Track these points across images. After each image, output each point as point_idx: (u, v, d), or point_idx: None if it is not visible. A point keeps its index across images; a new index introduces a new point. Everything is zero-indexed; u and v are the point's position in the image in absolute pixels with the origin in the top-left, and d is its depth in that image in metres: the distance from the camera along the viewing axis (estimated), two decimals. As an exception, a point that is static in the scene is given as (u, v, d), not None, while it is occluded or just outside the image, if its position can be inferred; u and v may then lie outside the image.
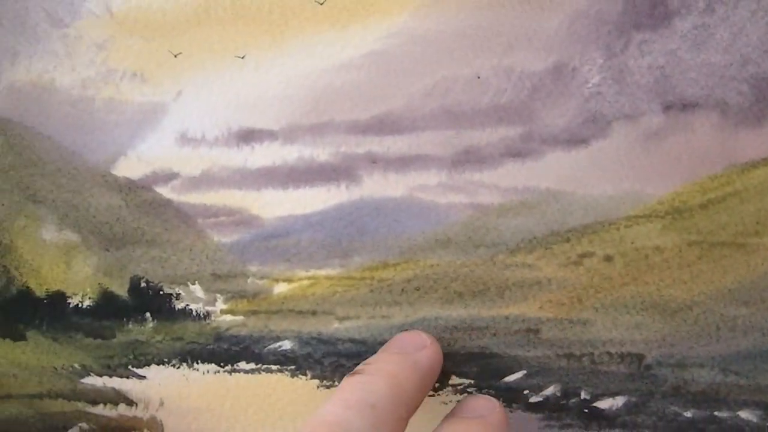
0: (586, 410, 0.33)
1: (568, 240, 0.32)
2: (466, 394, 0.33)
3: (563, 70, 0.31)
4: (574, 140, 0.32)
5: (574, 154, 0.31)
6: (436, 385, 0.32)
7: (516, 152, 0.32)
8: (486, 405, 0.31)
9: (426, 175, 0.32)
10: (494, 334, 0.32)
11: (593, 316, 0.32)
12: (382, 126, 0.32)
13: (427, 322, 0.32)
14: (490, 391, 0.33)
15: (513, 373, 0.33)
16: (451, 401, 0.33)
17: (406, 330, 0.32)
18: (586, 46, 0.31)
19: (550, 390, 0.33)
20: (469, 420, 0.30)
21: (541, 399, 0.33)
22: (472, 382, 0.33)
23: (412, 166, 0.32)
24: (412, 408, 0.29)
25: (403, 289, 0.32)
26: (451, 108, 0.32)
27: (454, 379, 0.33)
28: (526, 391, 0.33)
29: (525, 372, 0.33)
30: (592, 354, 0.32)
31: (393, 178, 0.32)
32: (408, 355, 0.31)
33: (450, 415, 0.30)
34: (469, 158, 0.32)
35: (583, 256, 0.32)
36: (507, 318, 0.32)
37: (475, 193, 0.32)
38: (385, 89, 0.32)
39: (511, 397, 0.33)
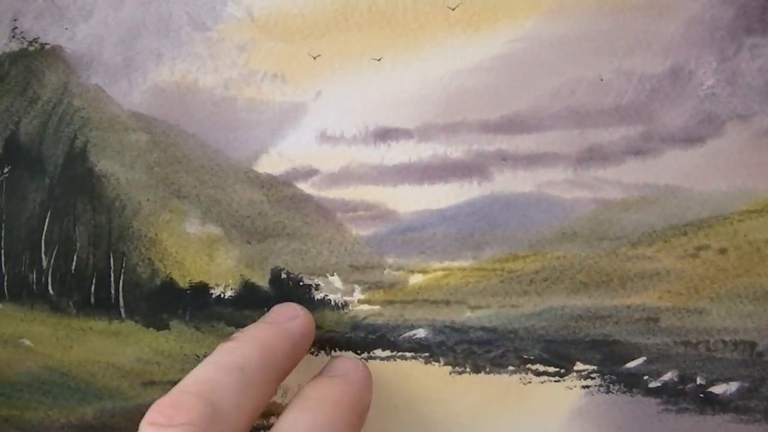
0: (702, 395, 0.41)
1: (685, 233, 0.40)
2: (589, 379, 0.42)
3: (680, 73, 0.39)
4: (691, 139, 0.39)
5: (690, 152, 0.39)
6: (561, 371, 0.42)
7: (637, 150, 0.40)
8: (349, 365, 0.39)
9: (553, 171, 0.40)
10: (616, 323, 0.41)
11: (709, 306, 0.40)
12: (511, 125, 0.40)
13: (554, 311, 0.41)
14: (612, 376, 0.41)
15: (634, 359, 0.41)
16: (575, 386, 0.42)
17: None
18: (701, 50, 0.39)
19: (668, 376, 0.41)
20: (332, 378, 0.39)
21: (659, 384, 0.41)
22: (596, 368, 0.41)
23: (540, 164, 0.40)
24: (282, 372, 0.38)
25: (531, 280, 0.41)
26: (576, 108, 0.40)
27: (579, 365, 0.42)
28: (645, 377, 0.41)
29: (645, 358, 0.41)
30: (708, 341, 0.40)
31: (522, 175, 0.40)
32: (279, 324, 0.40)
33: (316, 376, 0.39)
34: (593, 156, 0.40)
35: (699, 248, 0.40)
36: (628, 307, 0.40)
37: (599, 189, 0.40)
38: (513, 90, 0.40)
39: (631, 382, 0.41)
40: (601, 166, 0.39)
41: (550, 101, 0.39)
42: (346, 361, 0.40)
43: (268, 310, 0.42)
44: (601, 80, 0.39)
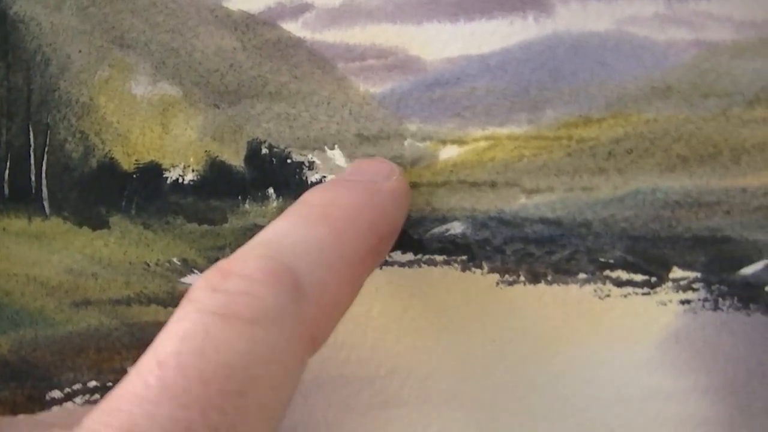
0: None
1: (821, 86, 0.34)
2: (690, 291, 0.34)
3: None
4: (828, -40, 0.34)
5: (826, -23, 0.34)
6: (652, 279, 0.35)
7: (754, -27, 0.34)
8: (381, 168, 0.34)
9: (638, 3, 0.34)
10: (727, 212, 0.34)
11: None
12: (580, -64, 0.35)
13: (642, 195, 0.34)
14: (722, 287, 0.34)
15: (752, 263, 0.34)
16: (671, 300, 0.34)
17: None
18: None
19: (799, 285, 0.36)
20: (351, 183, 0.32)
21: (788, 297, 0.36)
22: (699, 275, 0.34)
23: (621, -9, 0.35)
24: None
25: (610, 153, 0.34)
26: None
27: (676, 272, 0.34)
28: (767, 287, 0.34)
29: (767, 262, 0.34)
30: None
31: (595, 8, 0.34)
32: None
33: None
34: (694, -19, 0.35)
35: (839, 107, 0.35)
36: (744, 191, 0.34)
37: (701, 27, 0.33)
38: None
39: (748, 294, 0.34)
40: (705, -5, 0.34)
41: None
42: (378, 163, 0.34)
43: (244, 198, 0.36)
44: None
